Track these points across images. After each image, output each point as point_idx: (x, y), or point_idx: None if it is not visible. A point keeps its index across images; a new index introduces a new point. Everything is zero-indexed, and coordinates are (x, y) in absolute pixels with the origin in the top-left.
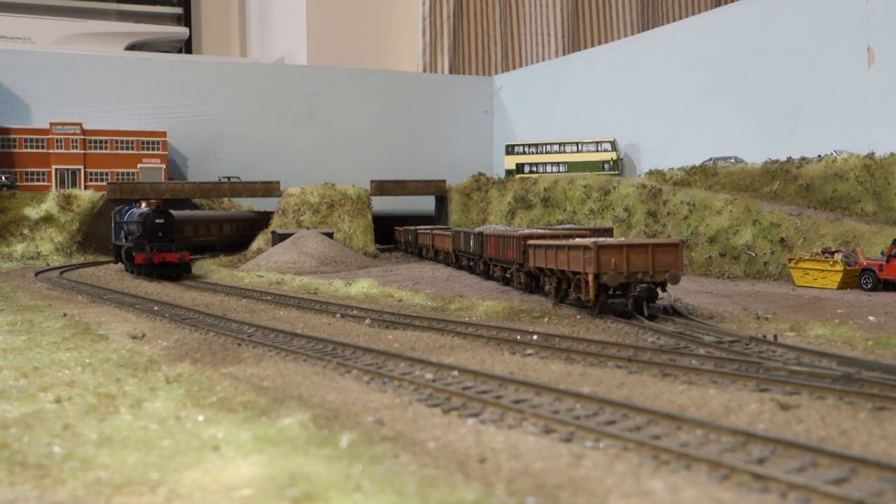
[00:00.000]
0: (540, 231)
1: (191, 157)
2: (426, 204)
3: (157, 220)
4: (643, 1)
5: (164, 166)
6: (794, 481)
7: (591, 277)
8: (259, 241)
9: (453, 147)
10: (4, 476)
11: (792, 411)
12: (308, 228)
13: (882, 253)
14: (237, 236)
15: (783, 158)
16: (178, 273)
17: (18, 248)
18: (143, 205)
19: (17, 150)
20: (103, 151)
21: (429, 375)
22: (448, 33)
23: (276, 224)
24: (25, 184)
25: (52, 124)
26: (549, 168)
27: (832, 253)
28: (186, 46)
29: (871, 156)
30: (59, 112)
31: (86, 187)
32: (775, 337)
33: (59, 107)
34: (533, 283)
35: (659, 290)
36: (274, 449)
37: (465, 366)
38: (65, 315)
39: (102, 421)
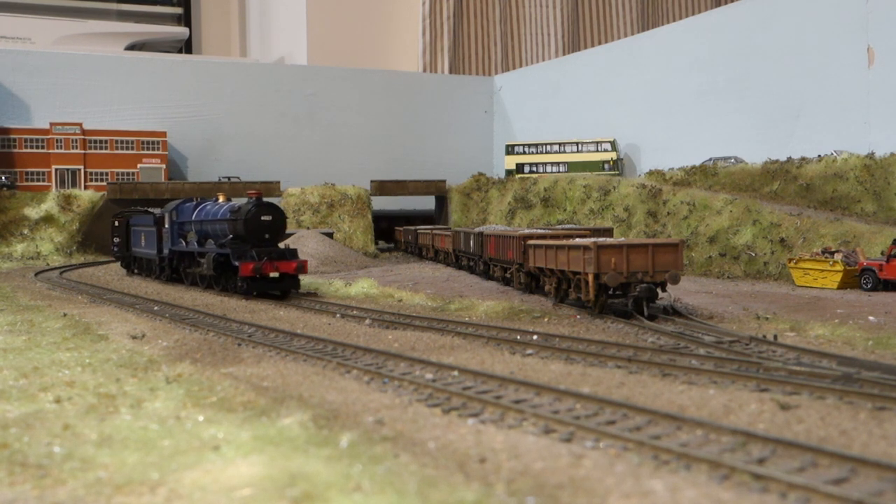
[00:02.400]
0: (540, 231)
1: (191, 157)
2: (427, 204)
3: (263, 218)
4: (643, 1)
5: (164, 166)
6: (794, 481)
7: (591, 277)
8: None
9: (453, 147)
10: (4, 476)
11: (792, 411)
12: (308, 228)
13: (882, 253)
14: None
15: (783, 158)
16: (285, 288)
17: (18, 248)
18: (221, 198)
19: (17, 150)
20: (103, 151)
21: (429, 375)
22: (448, 33)
23: None
24: (25, 184)
25: (52, 124)
26: (549, 168)
27: (832, 253)
28: (186, 46)
29: (871, 156)
30: (59, 112)
31: (86, 187)
32: (775, 337)
33: (59, 107)
34: (533, 283)
35: (659, 290)
36: (274, 449)
37: (465, 366)
38: (65, 315)
39: (102, 421)
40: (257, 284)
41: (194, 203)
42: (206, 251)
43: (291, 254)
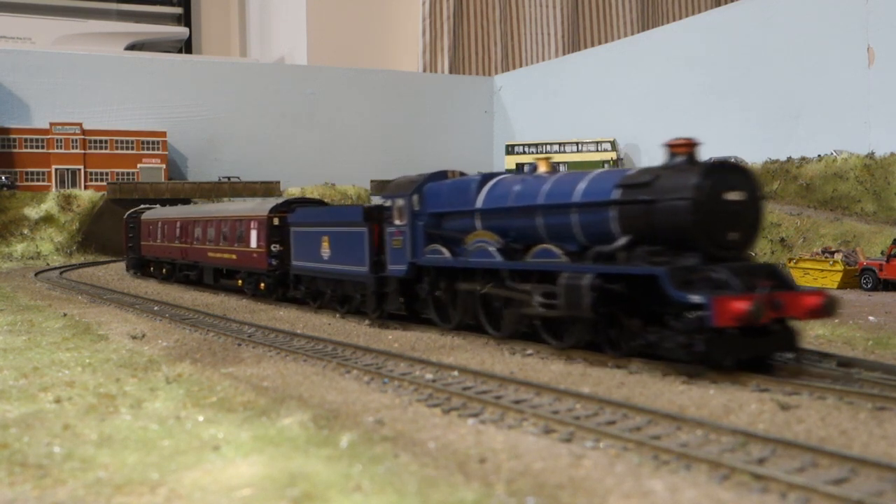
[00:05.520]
0: None
1: (191, 157)
2: None
3: (728, 197)
4: (643, 1)
5: (164, 166)
6: (794, 481)
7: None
8: None
9: (453, 147)
10: (4, 476)
11: (792, 411)
12: None
13: (882, 253)
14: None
15: (783, 158)
16: (774, 350)
17: (18, 247)
18: (543, 166)
19: (17, 150)
20: (103, 151)
21: (429, 375)
22: (448, 33)
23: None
24: (25, 184)
25: (52, 124)
26: None
27: (832, 253)
28: (186, 46)
29: (871, 156)
30: (59, 112)
31: (86, 187)
32: None
33: (59, 107)
34: None
35: None
36: (274, 449)
37: (466, 366)
38: (65, 315)
39: (102, 421)
40: (733, 345)
41: (474, 179)
42: (553, 269)
43: (785, 276)
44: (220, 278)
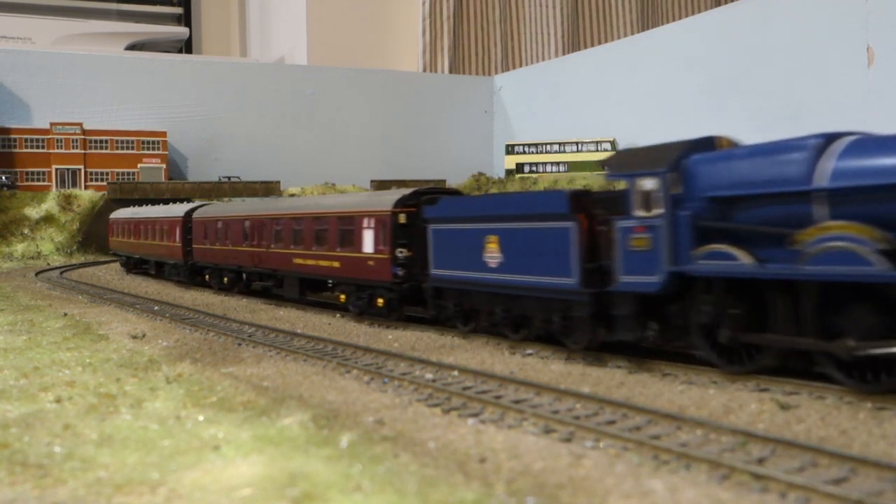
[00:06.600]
0: None
1: (191, 157)
2: None
3: None
4: (643, 1)
5: (164, 166)
6: (794, 481)
7: None
8: None
9: (453, 147)
10: (5, 476)
11: (792, 411)
12: None
13: None
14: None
15: None
16: None
17: (19, 247)
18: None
19: (17, 150)
20: (103, 151)
21: (429, 375)
22: (448, 33)
23: None
24: (26, 184)
25: (52, 124)
26: (549, 168)
27: None
28: (186, 46)
29: None
30: (59, 112)
31: (86, 187)
32: None
33: (59, 107)
34: None
35: None
36: (274, 449)
37: (465, 366)
38: (65, 315)
39: (103, 421)
40: None
41: (805, 143)
42: None
43: None
44: (307, 291)
